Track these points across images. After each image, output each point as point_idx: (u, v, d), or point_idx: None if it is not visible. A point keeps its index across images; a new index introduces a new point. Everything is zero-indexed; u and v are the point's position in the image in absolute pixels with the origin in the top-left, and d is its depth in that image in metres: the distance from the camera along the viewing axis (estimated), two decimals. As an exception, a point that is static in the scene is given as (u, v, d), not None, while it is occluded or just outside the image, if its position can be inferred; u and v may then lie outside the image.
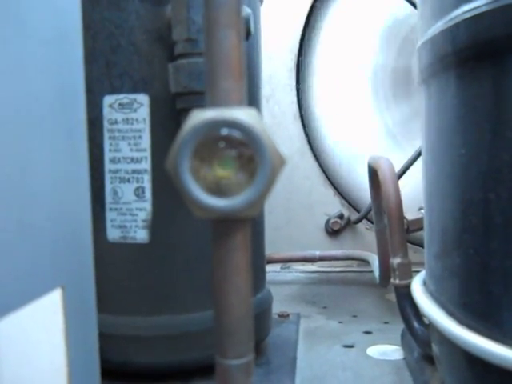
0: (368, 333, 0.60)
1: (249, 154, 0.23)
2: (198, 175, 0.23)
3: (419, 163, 0.79)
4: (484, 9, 0.29)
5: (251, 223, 0.25)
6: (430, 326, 0.41)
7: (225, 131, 0.22)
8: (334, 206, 0.94)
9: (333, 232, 0.93)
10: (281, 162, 0.23)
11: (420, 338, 0.46)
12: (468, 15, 0.30)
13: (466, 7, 0.30)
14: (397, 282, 0.49)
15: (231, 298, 0.23)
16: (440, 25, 0.34)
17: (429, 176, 0.39)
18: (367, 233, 0.92)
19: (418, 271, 0.45)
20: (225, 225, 0.23)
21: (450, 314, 0.34)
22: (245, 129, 0.22)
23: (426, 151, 0.39)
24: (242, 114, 0.22)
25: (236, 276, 0.23)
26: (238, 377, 0.24)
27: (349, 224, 0.93)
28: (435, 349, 0.40)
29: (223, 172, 0.23)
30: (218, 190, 0.23)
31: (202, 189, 0.23)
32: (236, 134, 0.22)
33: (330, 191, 0.94)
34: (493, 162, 0.29)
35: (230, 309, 0.24)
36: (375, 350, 0.55)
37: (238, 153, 0.23)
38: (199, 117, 0.22)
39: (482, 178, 0.30)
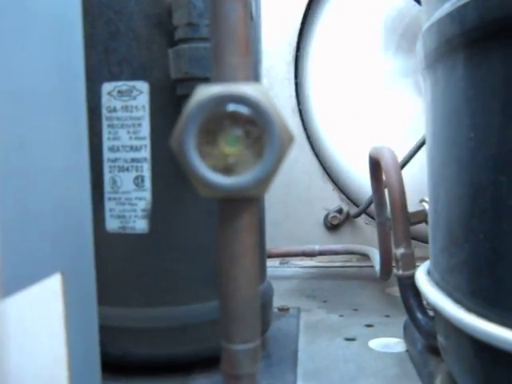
0: (369, 326, 0.60)
1: (256, 130, 0.22)
2: (203, 152, 0.22)
3: (418, 157, 0.79)
4: (494, -13, 0.28)
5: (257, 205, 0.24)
6: (436, 316, 0.40)
7: (231, 107, 0.22)
8: (333, 201, 0.93)
9: (332, 227, 0.92)
10: (289, 138, 0.22)
11: (424, 329, 0.45)
12: (477, -6, 0.29)
13: (475, -14, 0.29)
14: (400, 272, 0.48)
15: (238, 280, 0.23)
16: (447, 7, 0.33)
17: (434, 163, 0.38)
18: (366, 227, 0.92)
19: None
20: (231, 204, 0.23)
21: (457, 301, 0.33)
22: (252, 104, 0.21)
23: (432, 138, 0.39)
24: (250, 89, 0.21)
25: (243, 257, 0.23)
26: (244, 362, 0.24)
27: (348, 218, 0.92)
28: (441, 339, 0.39)
29: (230, 149, 0.22)
30: (224, 167, 0.22)
31: (208, 166, 0.22)
32: (243, 109, 0.22)
33: (329, 186, 0.93)
34: (503, 143, 0.29)
35: (236, 291, 0.23)
36: (377, 343, 0.54)
37: (245, 129, 0.22)
38: (205, 92, 0.22)
39: (492, 161, 0.30)
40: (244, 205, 0.23)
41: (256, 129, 0.22)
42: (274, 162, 0.21)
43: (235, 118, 0.22)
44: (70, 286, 0.28)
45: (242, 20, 0.23)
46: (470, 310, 0.32)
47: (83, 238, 0.30)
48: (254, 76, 0.49)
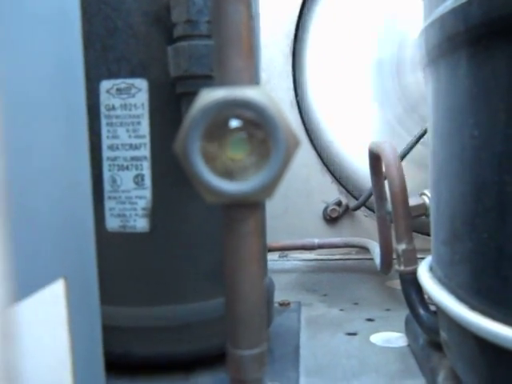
0: (370, 320, 0.60)
1: (261, 134, 0.22)
2: (208, 158, 0.22)
3: (417, 148, 0.79)
4: (499, -16, 0.28)
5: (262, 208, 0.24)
6: (439, 312, 0.40)
7: (236, 111, 0.21)
8: (331, 194, 0.93)
9: (331, 219, 0.92)
10: (295, 143, 0.22)
11: (426, 324, 0.45)
12: (482, -9, 0.29)
13: (479, -17, 0.29)
14: (402, 268, 0.48)
15: (245, 285, 0.23)
16: (450, 3, 0.32)
17: (437, 160, 0.38)
18: (366, 220, 0.92)
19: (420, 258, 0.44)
20: (236, 210, 0.22)
21: (461, 299, 0.33)
22: (258, 108, 0.21)
23: (434, 135, 0.38)
24: (255, 93, 0.21)
25: (249, 263, 0.22)
26: (251, 367, 0.23)
27: (347, 211, 0.92)
28: (444, 335, 0.39)
29: (235, 154, 0.22)
30: (229, 173, 0.22)
31: (212, 172, 0.22)
32: (248, 114, 0.21)
33: (328, 178, 0.93)
34: (508, 142, 0.28)
35: (243, 297, 0.23)
36: (379, 338, 0.54)
37: (250, 134, 0.22)
38: (209, 96, 0.21)
39: (496, 160, 0.29)
40: (249, 210, 0.22)
41: (260, 131, 0.22)
42: (279, 167, 0.21)
43: (240, 121, 0.22)
44: (73, 291, 0.27)
45: (246, 22, 0.22)
46: (474, 308, 0.32)
47: (85, 241, 0.29)
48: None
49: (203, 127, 0.21)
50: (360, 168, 0.88)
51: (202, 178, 0.21)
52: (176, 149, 0.22)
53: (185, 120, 0.21)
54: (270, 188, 0.21)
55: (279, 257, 0.91)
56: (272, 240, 0.82)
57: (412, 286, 0.47)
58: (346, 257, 0.90)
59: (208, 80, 0.40)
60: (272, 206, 0.89)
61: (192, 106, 0.21)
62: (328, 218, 0.92)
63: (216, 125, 0.22)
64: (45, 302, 0.26)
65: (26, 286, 0.24)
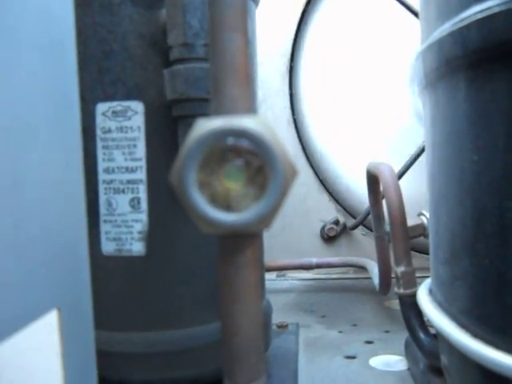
0: (369, 342, 0.59)
1: (258, 164, 0.21)
2: (204, 188, 0.21)
3: (416, 166, 0.79)
4: (497, 9, 0.27)
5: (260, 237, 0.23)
6: (439, 337, 0.39)
7: (233, 141, 0.21)
8: (329, 212, 0.92)
9: (329, 238, 0.91)
10: (293, 173, 0.21)
11: (426, 349, 0.45)
12: (480, 16, 0.28)
13: (477, 8, 0.29)
14: (401, 291, 0.47)
15: (241, 318, 0.22)
16: (448, 26, 0.32)
17: (435, 183, 0.38)
18: (363, 239, 0.91)
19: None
20: (233, 241, 0.22)
21: (463, 326, 0.33)
22: (255, 138, 0.20)
23: (432, 158, 0.38)
24: (252, 123, 0.21)
25: (246, 295, 0.22)
26: (248, 402, 0.23)
27: (345, 230, 0.92)
28: (444, 360, 0.38)
29: (231, 184, 0.21)
30: (226, 203, 0.21)
31: (209, 203, 0.21)
32: (245, 143, 0.21)
33: (325, 197, 0.93)
34: (508, 167, 0.28)
35: (240, 330, 0.22)
36: (378, 361, 0.53)
37: (247, 163, 0.21)
38: (205, 126, 0.21)
39: (496, 185, 0.29)
40: (247, 240, 0.22)
41: (257, 160, 0.21)
42: (277, 198, 0.21)
43: (237, 151, 0.21)
44: (67, 321, 0.27)
45: (242, 50, 0.22)
46: (475, 335, 0.31)
47: (80, 269, 0.29)
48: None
49: (199, 157, 0.21)
50: (357, 186, 0.88)
51: (198, 209, 0.21)
52: (172, 179, 0.21)
53: (181, 150, 0.21)
54: (267, 219, 0.21)
55: (277, 276, 0.90)
56: (269, 259, 0.81)
57: (412, 309, 0.46)
58: (344, 276, 0.89)
59: (204, 103, 0.39)
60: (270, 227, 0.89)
61: (188, 135, 0.21)
62: (326, 236, 0.92)
63: (212, 154, 0.21)
64: (38, 333, 0.25)
65: (18, 318, 0.23)
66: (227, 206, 0.21)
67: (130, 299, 0.44)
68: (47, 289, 0.25)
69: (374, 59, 0.90)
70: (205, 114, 0.22)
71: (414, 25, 0.84)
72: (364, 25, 0.90)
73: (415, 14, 0.80)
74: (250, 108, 0.22)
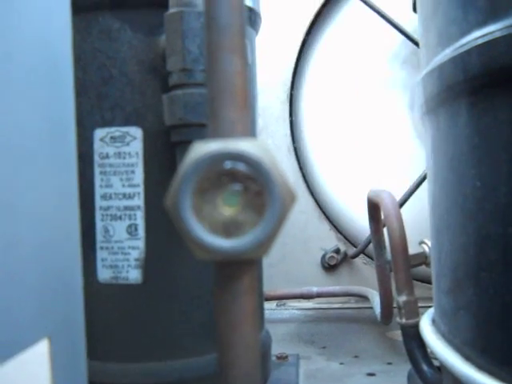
0: (371, 375, 0.57)
1: (256, 188, 0.21)
2: (200, 213, 0.20)
3: (417, 192, 0.78)
4: (498, 34, 0.27)
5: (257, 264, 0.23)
6: (443, 370, 0.38)
7: (230, 164, 0.20)
8: (329, 241, 0.91)
9: (329, 267, 0.90)
10: (292, 198, 0.20)
11: (430, 381, 0.44)
12: (481, 41, 0.28)
13: (478, 33, 0.29)
14: (403, 321, 0.46)
15: (238, 348, 0.21)
16: (448, 52, 0.32)
17: (437, 210, 0.37)
18: (365, 267, 0.90)
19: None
20: (230, 267, 0.21)
21: (467, 357, 0.32)
22: (252, 162, 0.20)
23: (434, 184, 0.38)
24: (249, 146, 0.20)
25: (244, 324, 0.21)
26: None
27: (345, 259, 0.91)
28: (449, 394, 0.37)
29: (228, 209, 0.21)
30: (222, 229, 0.21)
31: (205, 228, 0.20)
32: (242, 167, 0.20)
33: (326, 225, 0.92)
34: (512, 194, 0.27)
35: (236, 360, 0.21)
36: (381, 394, 0.52)
37: (244, 188, 0.21)
38: (201, 149, 0.20)
39: (500, 212, 0.28)
40: (244, 267, 0.21)
41: (255, 184, 0.21)
42: (275, 224, 0.20)
43: (234, 175, 0.21)
44: (58, 350, 0.26)
45: (240, 72, 0.22)
46: (481, 367, 0.30)
47: (73, 297, 0.28)
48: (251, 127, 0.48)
49: (195, 182, 0.20)
50: (358, 215, 0.87)
51: (194, 234, 0.20)
52: (167, 204, 0.21)
53: (176, 174, 0.20)
54: (265, 245, 0.20)
55: (277, 305, 0.89)
56: (269, 288, 0.80)
57: (414, 341, 0.45)
58: (345, 306, 0.88)
59: (203, 128, 0.39)
60: (269, 253, 0.88)
61: (184, 159, 0.20)
62: (326, 265, 0.90)
63: (209, 178, 0.21)
64: (28, 363, 0.24)
65: (6, 346, 0.22)
66: (224, 232, 0.21)
67: (126, 328, 0.43)
68: (37, 317, 0.24)
69: (375, 87, 0.90)
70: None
71: (415, 52, 0.84)
72: (364, 52, 0.90)
73: (415, 42, 0.80)
74: (248, 131, 0.22)
